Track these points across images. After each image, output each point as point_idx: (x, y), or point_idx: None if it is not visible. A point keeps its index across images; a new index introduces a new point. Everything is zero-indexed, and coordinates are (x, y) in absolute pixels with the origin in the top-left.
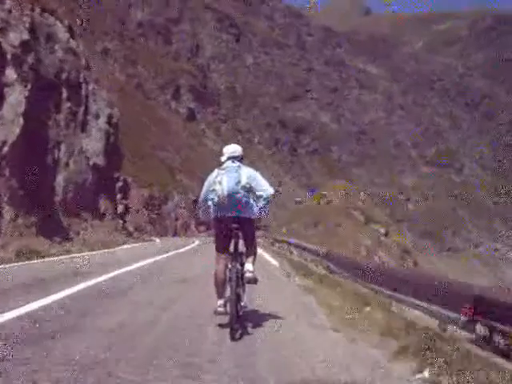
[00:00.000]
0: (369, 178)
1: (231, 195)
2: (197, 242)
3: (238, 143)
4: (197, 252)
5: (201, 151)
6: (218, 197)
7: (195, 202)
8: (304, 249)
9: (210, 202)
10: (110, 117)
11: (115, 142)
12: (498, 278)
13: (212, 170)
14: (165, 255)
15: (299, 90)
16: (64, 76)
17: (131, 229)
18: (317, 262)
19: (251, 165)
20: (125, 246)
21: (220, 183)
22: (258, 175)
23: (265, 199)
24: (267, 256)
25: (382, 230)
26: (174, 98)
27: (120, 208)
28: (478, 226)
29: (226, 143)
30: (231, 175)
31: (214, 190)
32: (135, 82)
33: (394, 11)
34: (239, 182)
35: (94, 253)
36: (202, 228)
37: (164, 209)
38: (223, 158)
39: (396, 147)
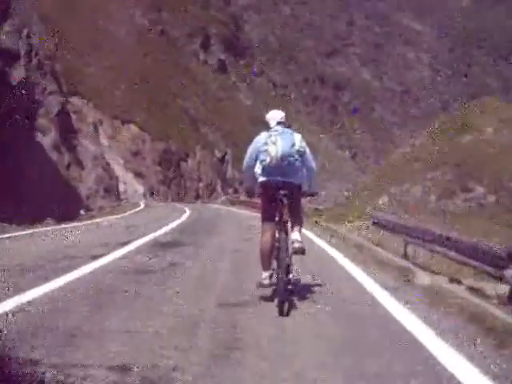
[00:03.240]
0: (411, 140)
1: (285, 157)
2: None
3: (273, 99)
4: None
5: (231, 105)
6: (271, 158)
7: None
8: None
9: (257, 166)
10: None
11: None
12: None
13: (257, 134)
14: None
15: (339, 45)
16: None
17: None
18: None
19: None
20: None
21: (274, 143)
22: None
23: (314, 171)
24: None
25: None
26: (202, 47)
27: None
28: None
29: (260, 98)
30: (286, 137)
31: (265, 151)
32: (159, 28)
33: None
34: (294, 144)
35: None
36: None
37: (184, 167)
38: (272, 123)
39: (442, 108)
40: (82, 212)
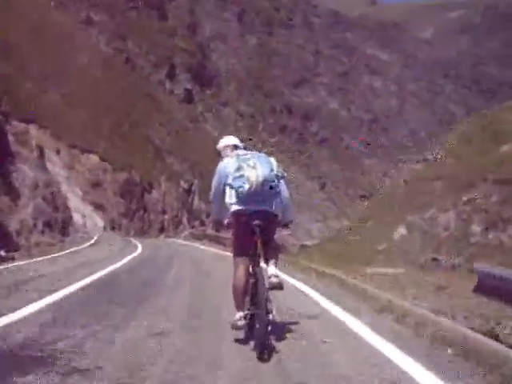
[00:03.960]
0: (381, 168)
1: (266, 182)
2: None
3: (240, 129)
4: None
5: (198, 135)
6: (251, 184)
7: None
8: None
9: (228, 194)
10: None
11: None
12: None
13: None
14: None
15: (306, 74)
16: None
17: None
18: None
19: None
20: None
21: (254, 168)
22: None
23: (288, 197)
24: None
25: None
26: (168, 77)
27: None
28: None
29: (227, 128)
30: (264, 160)
31: (241, 177)
32: (124, 56)
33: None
34: (272, 169)
35: None
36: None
37: (148, 199)
38: (228, 149)
39: (410, 136)
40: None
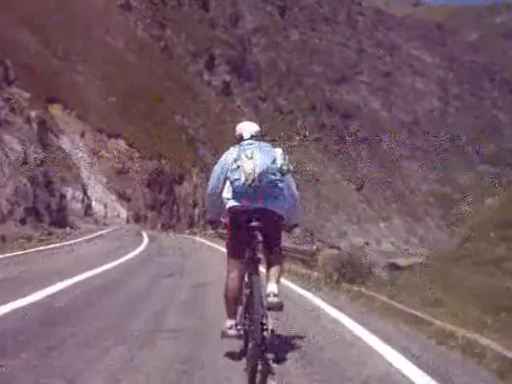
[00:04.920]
0: (421, 172)
1: (265, 175)
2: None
3: (278, 124)
4: None
5: (234, 128)
6: (247, 176)
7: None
8: None
9: (226, 189)
10: None
11: None
12: None
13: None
14: None
15: (348, 72)
16: None
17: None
18: None
19: (292, 149)
20: None
21: (251, 158)
22: None
23: (296, 196)
24: None
25: None
26: (207, 67)
27: None
28: None
29: (265, 124)
30: (265, 150)
31: (238, 168)
32: (161, 44)
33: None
34: (275, 160)
35: None
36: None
37: (177, 191)
38: (245, 134)
39: (451, 141)
40: None
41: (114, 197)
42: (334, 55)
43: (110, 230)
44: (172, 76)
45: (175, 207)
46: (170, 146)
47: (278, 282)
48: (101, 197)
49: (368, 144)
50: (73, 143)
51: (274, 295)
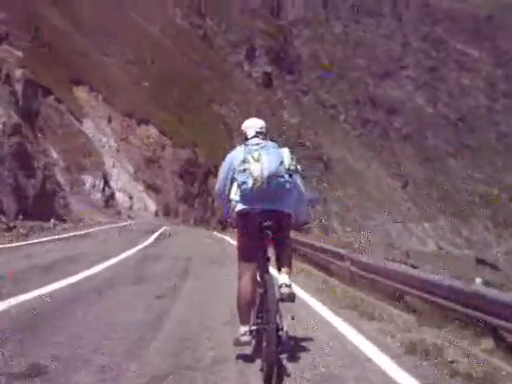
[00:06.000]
0: (466, 171)
1: (273, 178)
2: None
3: (320, 118)
4: None
5: (274, 122)
6: (254, 179)
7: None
8: None
9: (234, 190)
10: None
11: None
12: None
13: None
14: None
15: (393, 66)
16: None
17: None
18: None
19: (335, 145)
20: None
21: (258, 160)
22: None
23: (304, 195)
24: None
25: None
26: (247, 58)
27: None
28: None
29: (307, 117)
30: (271, 151)
31: (245, 171)
32: (200, 33)
33: None
34: (282, 162)
35: None
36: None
37: (213, 183)
38: (250, 132)
39: (499, 139)
40: None
41: (141, 187)
42: (378, 49)
43: (106, 226)
44: (210, 64)
45: (210, 201)
46: (206, 135)
47: (289, 274)
48: (126, 187)
49: (412, 140)
50: (97, 128)
51: (286, 286)
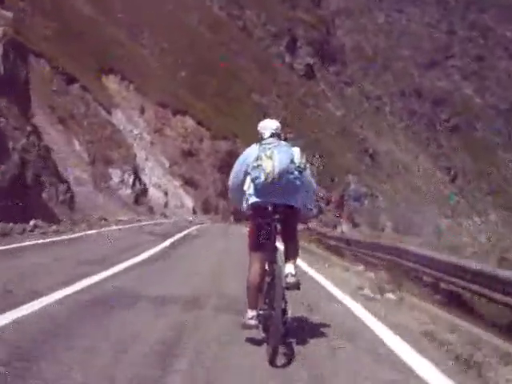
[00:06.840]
0: None
1: (283, 174)
2: None
3: (365, 111)
4: None
5: (318, 114)
6: (266, 175)
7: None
8: None
9: (247, 184)
10: None
11: None
12: None
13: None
14: None
15: (438, 56)
16: None
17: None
18: None
19: (380, 138)
20: None
21: (270, 158)
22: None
23: (314, 191)
24: None
25: None
26: (288, 50)
27: None
28: None
29: (351, 109)
30: (283, 150)
31: (258, 167)
32: (239, 24)
33: None
34: (293, 160)
35: None
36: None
37: None
38: (266, 133)
39: None
40: None
41: (177, 182)
42: (423, 38)
43: (114, 227)
44: (250, 55)
45: None
46: (246, 126)
47: (294, 264)
48: (161, 182)
49: (460, 132)
50: (128, 119)
51: (292, 275)
